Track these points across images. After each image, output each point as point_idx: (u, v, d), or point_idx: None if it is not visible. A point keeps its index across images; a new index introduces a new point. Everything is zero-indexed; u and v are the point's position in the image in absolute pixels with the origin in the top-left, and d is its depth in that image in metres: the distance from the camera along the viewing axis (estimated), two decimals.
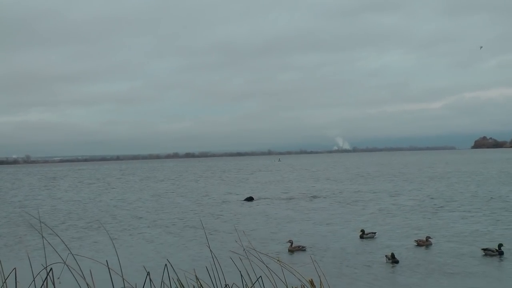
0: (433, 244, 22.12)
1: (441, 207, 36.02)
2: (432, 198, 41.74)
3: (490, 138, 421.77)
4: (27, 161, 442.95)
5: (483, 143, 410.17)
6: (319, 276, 8.19)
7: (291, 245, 22.25)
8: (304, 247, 22.29)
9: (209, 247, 9.06)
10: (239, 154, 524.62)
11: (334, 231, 27.16)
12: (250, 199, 44.83)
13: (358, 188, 55.98)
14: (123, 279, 7.44)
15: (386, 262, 19.20)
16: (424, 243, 22.13)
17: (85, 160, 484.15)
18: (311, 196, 47.48)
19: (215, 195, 52.59)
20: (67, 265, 7.53)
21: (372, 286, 16.54)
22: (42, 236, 8.29)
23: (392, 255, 19.37)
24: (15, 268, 7.51)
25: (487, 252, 20.04)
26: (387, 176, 77.01)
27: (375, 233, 25.04)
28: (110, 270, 7.52)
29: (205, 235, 26.73)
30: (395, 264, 18.97)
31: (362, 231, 24.89)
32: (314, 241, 23.98)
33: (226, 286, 8.28)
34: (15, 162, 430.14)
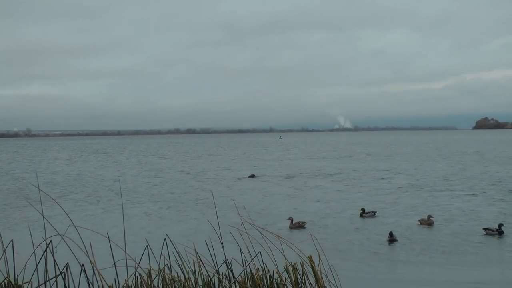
0: (434, 223, 22.14)
1: (440, 186, 36.04)
2: (431, 177, 41.76)
3: (492, 119, 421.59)
4: (28, 134, 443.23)
5: (484, 124, 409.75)
6: (318, 253, 8.20)
7: (292, 222, 22.24)
8: (305, 222, 22.30)
9: (210, 222, 9.09)
10: (240, 131, 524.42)
11: (334, 209, 27.18)
12: (252, 176, 44.80)
13: (359, 166, 55.99)
14: (125, 252, 7.44)
15: (387, 240, 19.22)
16: (426, 222, 22.15)
17: (86, 134, 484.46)
18: (312, 174, 47.51)
19: (215, 172, 52.63)
20: (65, 237, 7.52)
21: (369, 263, 16.59)
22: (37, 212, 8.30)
23: (390, 234, 19.39)
24: (12, 240, 7.53)
25: (488, 231, 20.09)
26: (387, 155, 77.06)
27: (376, 212, 25.05)
28: (111, 242, 7.52)
29: (205, 210, 26.78)
30: (394, 242, 19.00)
31: (363, 209, 24.89)
32: (314, 219, 24.00)
33: (225, 260, 8.30)
34: (16, 135, 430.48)
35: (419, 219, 22.85)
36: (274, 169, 53.87)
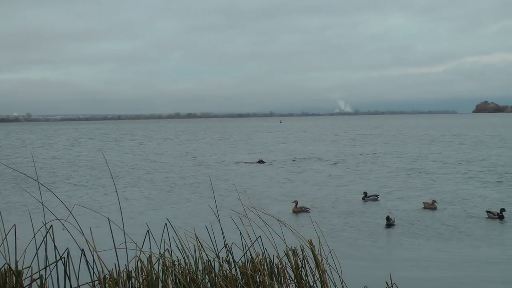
0: (437, 208, 22.18)
1: (440, 169, 36.08)
2: (432, 161, 41.79)
3: (492, 102, 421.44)
4: (28, 119, 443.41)
5: (484, 108, 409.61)
6: (318, 237, 8.20)
7: (296, 205, 22.25)
8: (308, 208, 22.31)
9: (210, 206, 9.11)
10: (240, 116, 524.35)
11: (337, 193, 27.17)
12: (260, 161, 43.96)
13: (360, 150, 55.98)
14: (124, 234, 7.43)
15: (385, 225, 19.22)
16: (430, 206, 22.22)
17: (86, 119, 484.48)
18: (314, 158, 47.51)
19: (217, 157, 52.65)
20: (61, 223, 7.52)
21: (368, 248, 16.65)
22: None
23: (387, 218, 19.36)
24: (14, 224, 7.52)
25: (490, 214, 20.16)
26: (387, 138, 77.07)
27: (378, 195, 25.08)
28: (111, 226, 7.52)
29: (206, 194, 26.80)
30: (392, 227, 19.00)
31: (365, 193, 24.92)
32: (317, 203, 24.00)
33: (225, 245, 8.31)
34: (16, 120, 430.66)
35: (423, 202, 22.91)
36: (276, 154, 53.85)
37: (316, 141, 77.18)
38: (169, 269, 7.57)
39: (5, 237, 7.51)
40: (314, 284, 8.06)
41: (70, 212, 7.55)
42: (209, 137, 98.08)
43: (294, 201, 22.63)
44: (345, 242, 17.12)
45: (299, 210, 22.01)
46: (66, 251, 7.33)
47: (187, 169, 40.56)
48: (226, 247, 8.16)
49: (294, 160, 45.98)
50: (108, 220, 7.50)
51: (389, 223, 19.15)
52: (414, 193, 26.49)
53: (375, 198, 24.70)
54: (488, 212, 20.39)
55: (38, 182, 7.92)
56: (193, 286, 7.39)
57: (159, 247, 7.77)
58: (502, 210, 20.19)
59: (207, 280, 7.66)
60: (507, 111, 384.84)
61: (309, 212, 21.88)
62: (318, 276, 8.02)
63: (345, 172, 36.74)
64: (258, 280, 7.94)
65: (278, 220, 8.36)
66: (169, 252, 7.76)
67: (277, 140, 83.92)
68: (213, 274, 7.69)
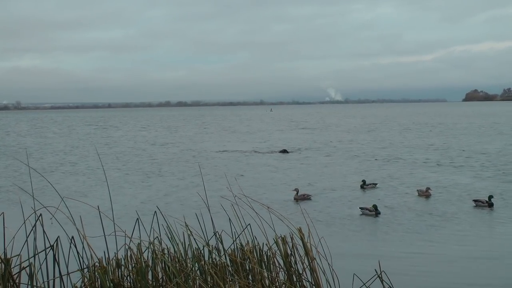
0: (431, 195, 22.26)
1: (434, 160, 36.22)
2: (426, 150, 41.95)
3: (481, 91, 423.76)
4: (18, 107, 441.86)
5: (474, 96, 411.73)
6: (308, 225, 8.22)
7: (297, 193, 22.24)
8: (310, 195, 22.36)
9: (199, 194, 9.13)
10: (231, 104, 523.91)
11: (336, 181, 27.09)
12: (284, 151, 43.48)
13: (356, 138, 56.05)
14: (114, 223, 7.43)
15: (361, 215, 19.19)
16: (424, 194, 22.30)
17: (77, 107, 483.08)
18: (312, 147, 47.46)
19: (208, 145, 52.60)
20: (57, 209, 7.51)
21: (361, 235, 16.72)
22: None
23: (375, 207, 19.31)
24: (3, 212, 7.49)
25: (478, 203, 20.18)
26: (383, 127, 77.26)
27: (376, 184, 25.13)
28: (101, 214, 7.52)
29: (196, 182, 26.77)
30: (379, 215, 18.97)
31: (363, 181, 24.93)
32: (316, 191, 23.94)
33: (215, 233, 8.32)
34: (5, 108, 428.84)
35: (417, 189, 22.98)
36: (271, 143, 53.80)
37: (312, 130, 77.21)
38: (159, 257, 7.58)
39: None
40: (303, 272, 8.09)
41: (62, 200, 7.53)
42: (204, 125, 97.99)
43: (295, 189, 22.58)
44: (338, 230, 17.16)
45: (300, 197, 22.00)
46: (56, 239, 7.32)
47: (179, 157, 40.47)
48: (216, 235, 8.17)
49: (291, 148, 45.91)
50: (98, 208, 7.49)
51: (377, 212, 19.13)
52: (410, 181, 26.61)
53: (373, 186, 24.76)
54: (475, 201, 20.37)
55: (30, 168, 7.89)
56: (182, 274, 7.40)
57: (148, 235, 7.77)
58: (491, 197, 20.23)
59: (196, 268, 7.67)
60: (497, 99, 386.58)
61: (311, 199, 21.92)
62: (307, 264, 8.05)
63: (344, 160, 36.73)
64: (247, 267, 7.97)
65: (268, 208, 8.38)
66: (158, 240, 7.77)
67: (271, 128, 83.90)
68: (203, 262, 7.71)
